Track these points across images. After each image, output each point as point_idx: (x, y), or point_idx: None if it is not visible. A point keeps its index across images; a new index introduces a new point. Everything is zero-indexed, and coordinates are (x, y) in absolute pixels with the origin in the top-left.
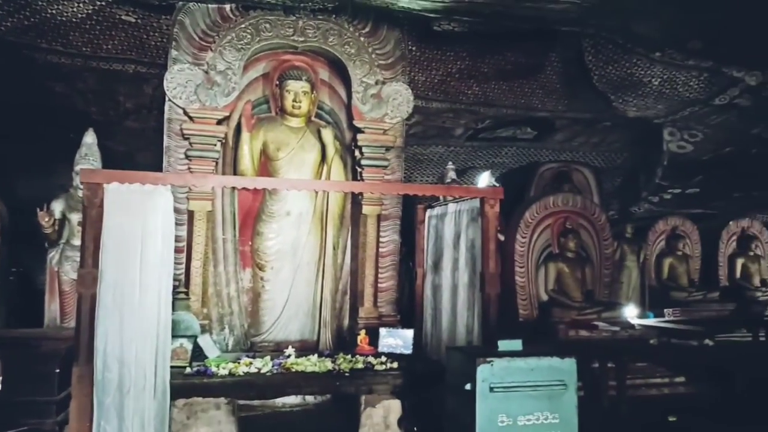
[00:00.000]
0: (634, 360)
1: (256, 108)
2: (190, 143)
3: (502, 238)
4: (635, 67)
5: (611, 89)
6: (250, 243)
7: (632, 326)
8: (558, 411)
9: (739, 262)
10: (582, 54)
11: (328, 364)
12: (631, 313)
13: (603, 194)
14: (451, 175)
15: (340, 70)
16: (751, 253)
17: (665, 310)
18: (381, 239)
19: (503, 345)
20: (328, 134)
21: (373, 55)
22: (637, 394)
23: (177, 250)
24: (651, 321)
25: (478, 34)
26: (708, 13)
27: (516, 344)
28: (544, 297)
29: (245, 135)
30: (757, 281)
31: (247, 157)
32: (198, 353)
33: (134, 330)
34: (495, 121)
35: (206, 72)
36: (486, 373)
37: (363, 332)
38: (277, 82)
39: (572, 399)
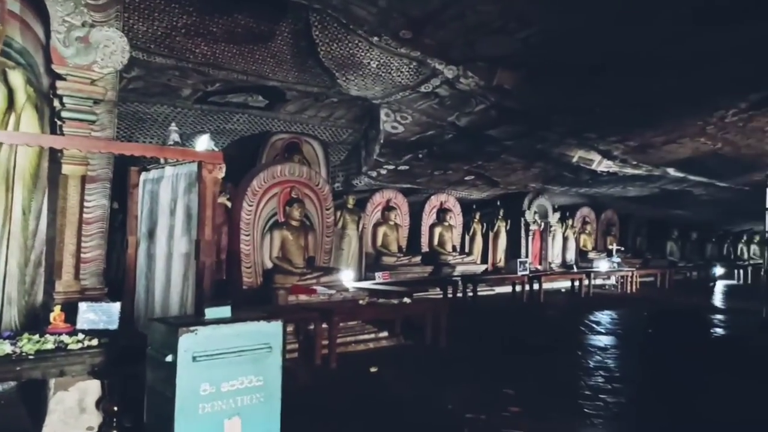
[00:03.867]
0: (345, 320)
1: None
2: None
3: (229, 205)
4: (357, 48)
5: (336, 66)
6: None
7: (347, 289)
8: (262, 373)
9: (437, 230)
10: (310, 28)
11: (7, 348)
12: (347, 277)
13: (330, 167)
14: (174, 137)
15: (35, 3)
16: (446, 223)
17: (377, 273)
18: (86, 204)
19: (211, 312)
20: (17, 77)
21: None
22: (348, 351)
23: None
24: (363, 283)
25: None
26: (417, 6)
27: (225, 311)
28: (269, 264)
29: None
30: (449, 247)
31: None
32: None
33: None
34: (225, 86)
35: None
36: (189, 342)
37: (58, 308)
38: None
39: (277, 361)
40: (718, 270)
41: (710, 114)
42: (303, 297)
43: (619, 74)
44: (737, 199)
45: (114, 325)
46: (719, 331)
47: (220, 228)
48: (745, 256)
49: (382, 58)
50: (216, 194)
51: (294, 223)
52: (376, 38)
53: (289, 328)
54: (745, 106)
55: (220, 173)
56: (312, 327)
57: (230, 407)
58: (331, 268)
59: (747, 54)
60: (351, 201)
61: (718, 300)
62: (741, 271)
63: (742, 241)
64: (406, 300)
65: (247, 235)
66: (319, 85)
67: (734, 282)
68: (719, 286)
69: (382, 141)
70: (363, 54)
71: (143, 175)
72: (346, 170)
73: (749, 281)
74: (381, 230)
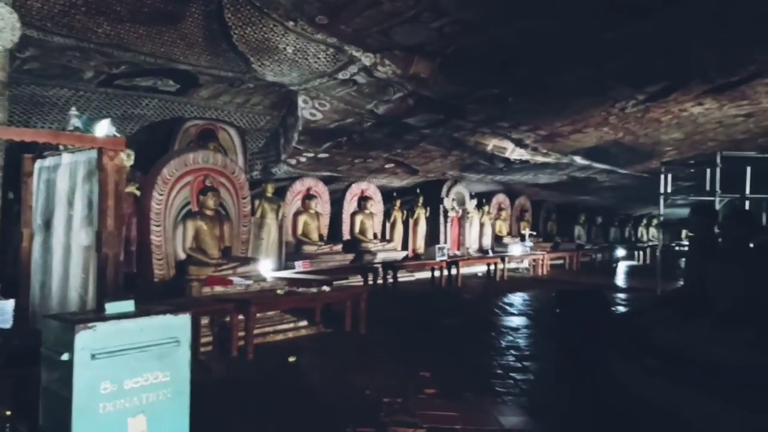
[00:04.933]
0: (262, 310)
1: None
2: None
3: (139, 194)
4: (272, 32)
5: (250, 51)
6: None
7: (264, 279)
8: (169, 369)
9: (358, 218)
10: (222, 10)
11: None
12: (266, 266)
13: (247, 154)
14: (75, 122)
15: None
16: (367, 211)
17: (296, 262)
18: None
19: (112, 307)
20: None
21: None
22: (266, 341)
23: None
24: (283, 273)
25: None
26: None
27: (128, 305)
28: (182, 256)
29: None
30: (370, 235)
31: None
32: None
33: None
34: (132, 68)
35: None
36: (87, 339)
37: None
38: None
39: (185, 355)
40: (620, 252)
41: (612, 105)
42: (218, 288)
43: (529, 66)
44: (637, 185)
45: (7, 324)
46: (620, 308)
47: (128, 218)
48: (645, 238)
49: (299, 43)
50: (120, 182)
51: (208, 212)
52: (291, 23)
53: (204, 321)
54: (642, 98)
55: (128, 161)
56: (228, 318)
57: (134, 405)
58: (248, 258)
59: (644, 48)
60: (270, 189)
61: (620, 280)
62: (641, 253)
63: (642, 224)
64: (326, 288)
65: (158, 226)
66: (234, 69)
67: (635, 263)
68: (621, 267)
69: (300, 128)
70: (278, 39)
71: (38, 163)
72: (265, 158)
73: (648, 262)
74: (301, 219)
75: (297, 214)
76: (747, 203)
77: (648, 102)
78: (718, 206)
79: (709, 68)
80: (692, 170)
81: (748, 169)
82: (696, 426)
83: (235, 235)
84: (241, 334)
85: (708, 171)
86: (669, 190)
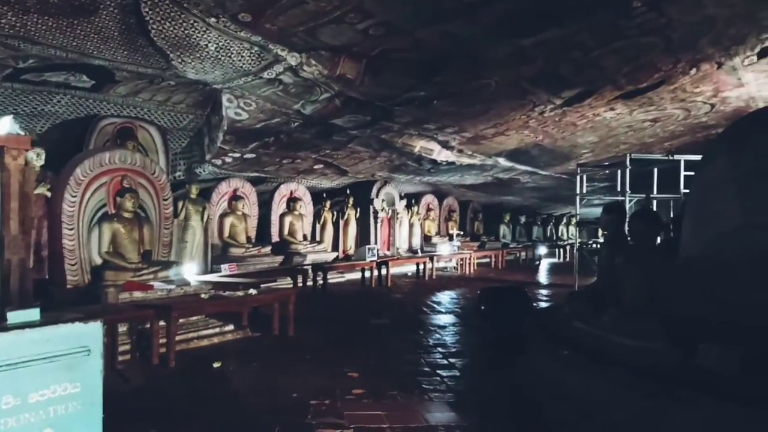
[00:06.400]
0: (185, 315)
1: None
2: None
3: (49, 195)
4: (192, 28)
5: (170, 47)
6: None
7: (188, 283)
8: (80, 379)
9: (287, 220)
10: (139, 3)
11: None
12: (189, 270)
13: (170, 154)
14: None
15: None
16: (297, 212)
17: (222, 265)
18: None
19: (14, 316)
20: None
21: None
22: (190, 347)
23: None
24: (208, 276)
25: None
26: None
27: (32, 314)
28: (99, 260)
29: None
30: (300, 236)
31: None
32: None
33: None
34: (41, 62)
35: None
36: None
37: None
38: None
39: (96, 364)
40: (542, 250)
41: (532, 109)
42: (138, 294)
43: (452, 69)
44: (557, 186)
45: None
46: (541, 304)
47: (39, 221)
48: (565, 236)
49: (221, 41)
50: (25, 183)
51: (126, 215)
52: (213, 19)
53: (122, 328)
54: (559, 103)
55: (38, 160)
56: (148, 325)
57: (41, 419)
58: (170, 262)
59: (556, 55)
60: (194, 190)
61: (542, 277)
62: (561, 250)
63: (563, 223)
64: (253, 291)
65: (71, 229)
66: (153, 66)
67: (556, 260)
68: (543, 265)
69: (225, 128)
70: (200, 35)
71: None
72: (189, 158)
73: (568, 259)
74: (228, 221)
75: (223, 215)
76: (654, 203)
77: (565, 106)
78: (628, 205)
79: (618, 75)
80: (606, 172)
81: (655, 170)
82: (595, 413)
83: (156, 238)
84: (163, 340)
85: (619, 172)
86: (585, 190)
